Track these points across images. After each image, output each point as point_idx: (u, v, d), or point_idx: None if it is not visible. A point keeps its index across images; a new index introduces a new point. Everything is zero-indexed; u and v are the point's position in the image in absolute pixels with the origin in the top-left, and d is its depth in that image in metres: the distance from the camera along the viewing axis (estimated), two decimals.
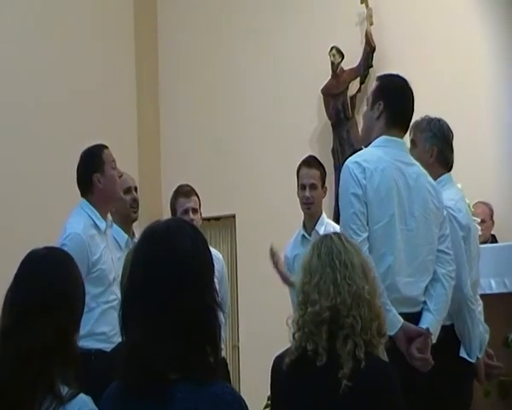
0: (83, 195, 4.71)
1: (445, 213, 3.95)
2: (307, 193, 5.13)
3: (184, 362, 2.09)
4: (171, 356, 2.08)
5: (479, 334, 4.13)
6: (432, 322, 3.72)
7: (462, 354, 4.09)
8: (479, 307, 4.31)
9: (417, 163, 3.94)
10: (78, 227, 4.53)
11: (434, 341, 3.72)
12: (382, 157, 3.79)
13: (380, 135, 3.89)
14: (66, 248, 4.30)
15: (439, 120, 4.38)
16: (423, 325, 3.69)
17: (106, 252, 4.62)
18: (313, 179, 5.14)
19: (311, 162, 5.27)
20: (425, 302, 3.76)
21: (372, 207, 3.69)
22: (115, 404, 2.19)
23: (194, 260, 2.16)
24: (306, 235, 5.13)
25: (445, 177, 4.32)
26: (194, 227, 2.27)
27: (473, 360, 4.09)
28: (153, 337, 2.09)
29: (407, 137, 4.16)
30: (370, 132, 3.95)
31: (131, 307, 2.17)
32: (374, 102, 3.95)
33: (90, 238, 4.54)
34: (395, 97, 3.92)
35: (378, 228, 3.65)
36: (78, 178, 4.75)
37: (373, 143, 3.90)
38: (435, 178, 4.29)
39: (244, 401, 2.16)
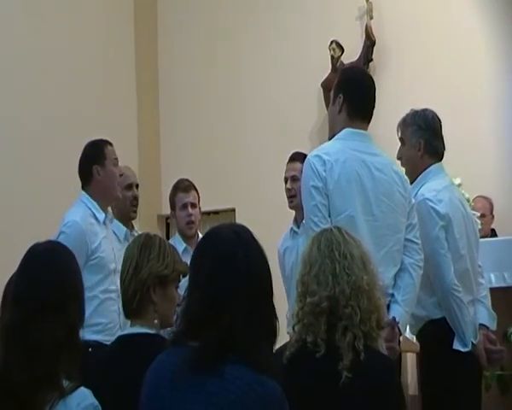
0: (83, 186, 4.73)
1: (413, 201, 3.92)
2: (289, 185, 5.06)
3: (243, 346, 2.20)
4: (232, 338, 2.20)
5: (471, 320, 4.10)
6: (400, 313, 3.66)
7: (456, 345, 4.06)
8: (483, 292, 4.31)
9: (383, 154, 3.90)
10: (76, 215, 4.55)
11: (404, 332, 3.68)
12: (344, 149, 3.78)
13: (343, 128, 3.88)
14: (64, 236, 4.39)
15: (424, 111, 4.33)
16: (390, 316, 3.63)
17: (105, 242, 4.62)
18: (294, 171, 4.99)
19: (294, 156, 5.17)
20: (392, 295, 3.71)
21: (333, 198, 3.69)
22: (167, 377, 2.27)
23: (258, 271, 2.37)
24: (295, 228, 5.07)
25: (432, 168, 4.27)
26: (253, 236, 2.52)
27: (468, 349, 4.06)
28: (215, 318, 2.21)
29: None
30: (334, 126, 3.95)
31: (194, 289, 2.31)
32: (335, 96, 3.96)
33: (89, 226, 4.55)
34: (353, 89, 3.92)
35: (341, 219, 3.61)
36: (79, 169, 4.78)
37: (336, 136, 3.89)
38: (423, 171, 4.26)
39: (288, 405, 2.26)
